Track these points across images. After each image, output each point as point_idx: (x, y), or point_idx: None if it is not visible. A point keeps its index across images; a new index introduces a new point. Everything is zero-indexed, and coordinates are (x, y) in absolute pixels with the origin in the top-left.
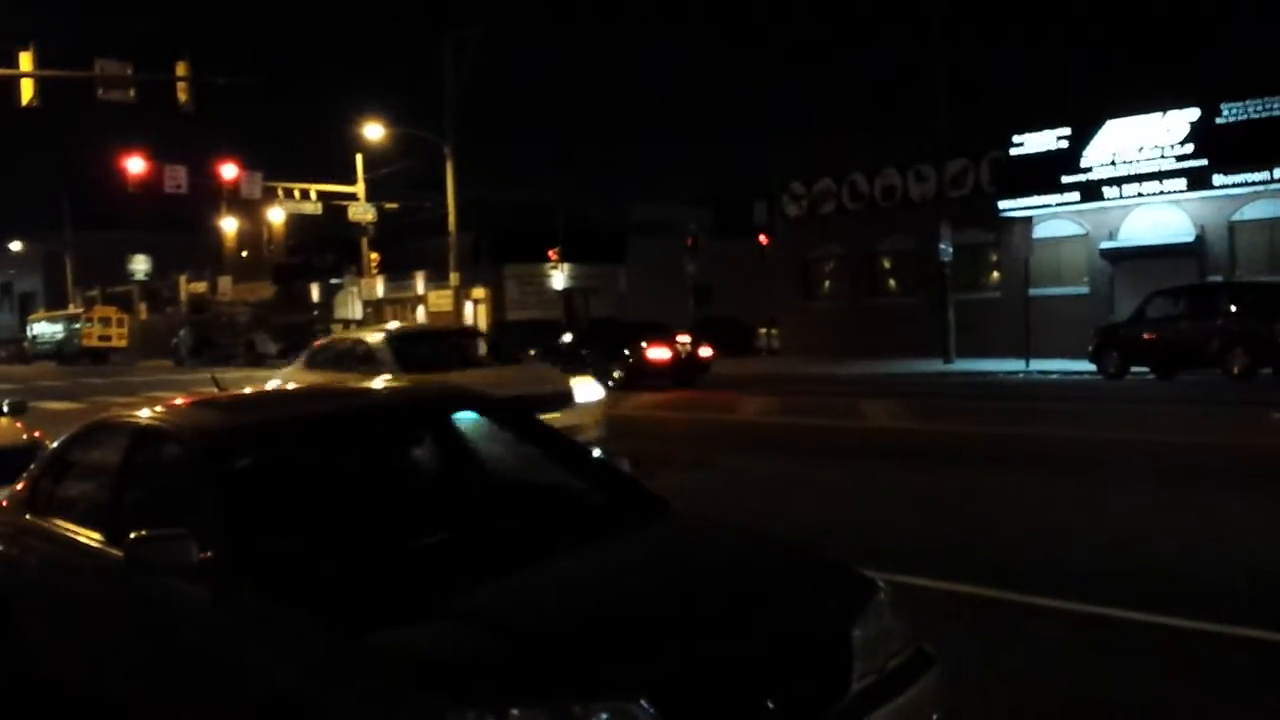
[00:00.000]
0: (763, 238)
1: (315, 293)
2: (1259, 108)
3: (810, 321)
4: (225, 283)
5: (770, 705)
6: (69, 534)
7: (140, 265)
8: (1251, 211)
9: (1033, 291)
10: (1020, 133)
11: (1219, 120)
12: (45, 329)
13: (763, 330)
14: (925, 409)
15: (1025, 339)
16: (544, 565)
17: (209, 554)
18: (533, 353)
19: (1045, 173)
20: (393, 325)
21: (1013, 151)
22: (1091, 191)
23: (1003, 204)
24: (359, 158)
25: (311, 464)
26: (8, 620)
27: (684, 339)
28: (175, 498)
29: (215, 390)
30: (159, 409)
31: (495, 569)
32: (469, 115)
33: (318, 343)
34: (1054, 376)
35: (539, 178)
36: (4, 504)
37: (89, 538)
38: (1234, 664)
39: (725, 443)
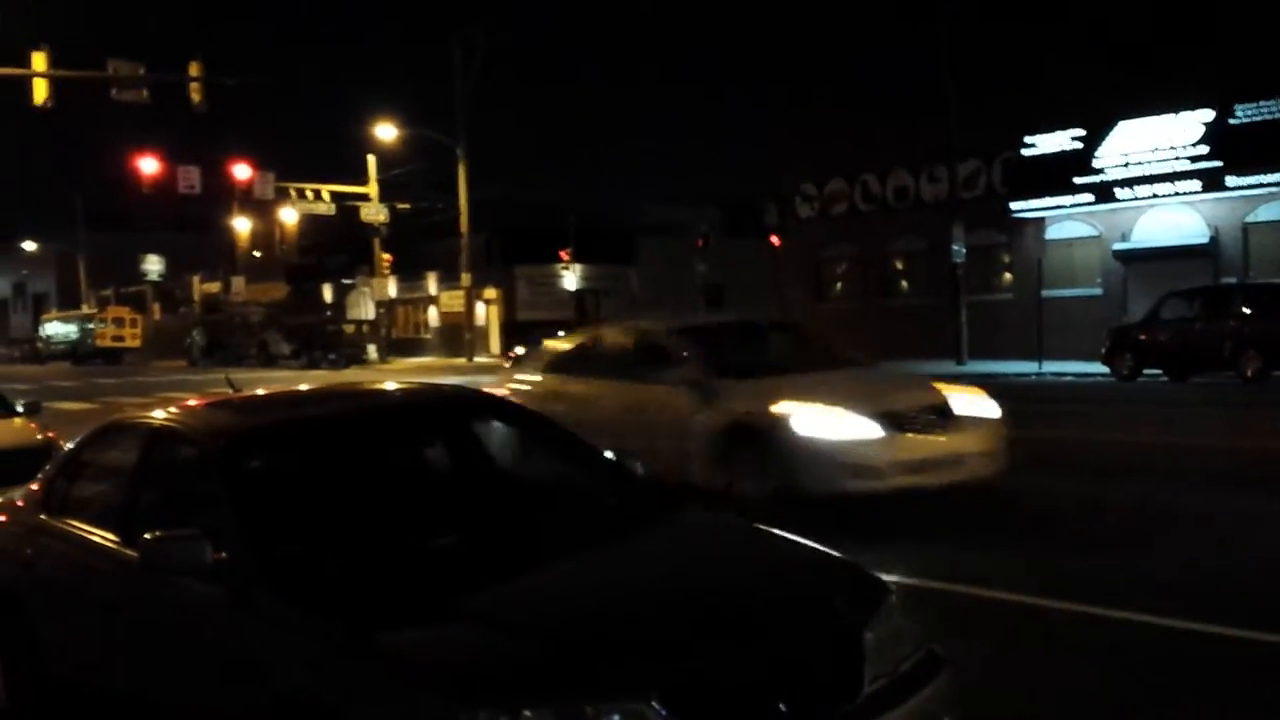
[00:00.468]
0: (774, 238)
1: (328, 293)
2: (1273, 109)
3: (821, 322)
4: (238, 283)
5: (782, 707)
6: (84, 534)
7: (153, 265)
8: (1266, 213)
9: (1045, 293)
10: (1033, 133)
11: (1233, 121)
12: (59, 329)
13: None
14: None
15: (1038, 341)
16: (556, 566)
17: (223, 554)
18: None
19: (1058, 174)
20: (695, 316)
21: (1025, 152)
22: (1105, 193)
23: (1015, 205)
24: (371, 159)
25: (325, 465)
26: (22, 619)
27: None
28: (190, 498)
29: (229, 391)
30: (173, 410)
31: (507, 570)
32: (480, 116)
33: (559, 342)
34: (1067, 378)
35: (550, 179)
36: (20, 504)
37: (104, 538)
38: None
39: None
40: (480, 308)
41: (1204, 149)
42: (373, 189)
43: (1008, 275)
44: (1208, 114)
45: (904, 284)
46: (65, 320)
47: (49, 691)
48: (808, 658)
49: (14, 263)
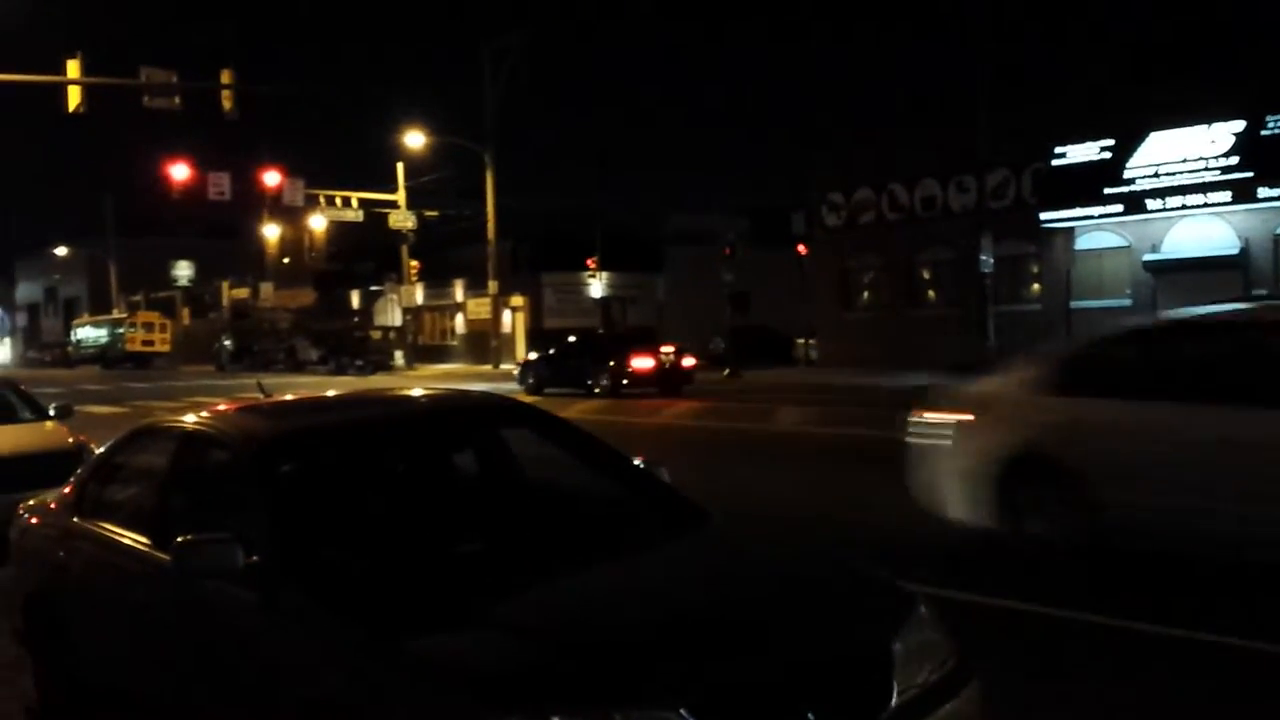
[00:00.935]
0: (801, 248)
1: (355, 300)
2: None
3: (848, 332)
4: (267, 289)
5: (810, 717)
6: (115, 537)
7: (183, 271)
8: None
9: (1074, 304)
10: (1063, 144)
11: (1264, 132)
12: (89, 333)
13: (800, 340)
14: None
15: None
16: (585, 574)
17: (254, 558)
18: (533, 356)
19: (1088, 184)
20: None
21: (1055, 162)
22: (1134, 203)
23: (1044, 215)
24: (400, 166)
25: (355, 470)
26: (54, 621)
27: (667, 349)
28: (221, 502)
29: (260, 395)
30: (205, 414)
31: (536, 577)
32: (509, 124)
33: (1074, 350)
34: None
35: (578, 187)
36: (52, 506)
37: (136, 541)
38: None
39: (757, 453)
40: (507, 315)
41: (1235, 160)
42: (401, 196)
43: (1036, 286)
44: (1238, 125)
45: (931, 294)
46: (96, 325)
47: (79, 692)
48: (836, 668)
49: (46, 267)
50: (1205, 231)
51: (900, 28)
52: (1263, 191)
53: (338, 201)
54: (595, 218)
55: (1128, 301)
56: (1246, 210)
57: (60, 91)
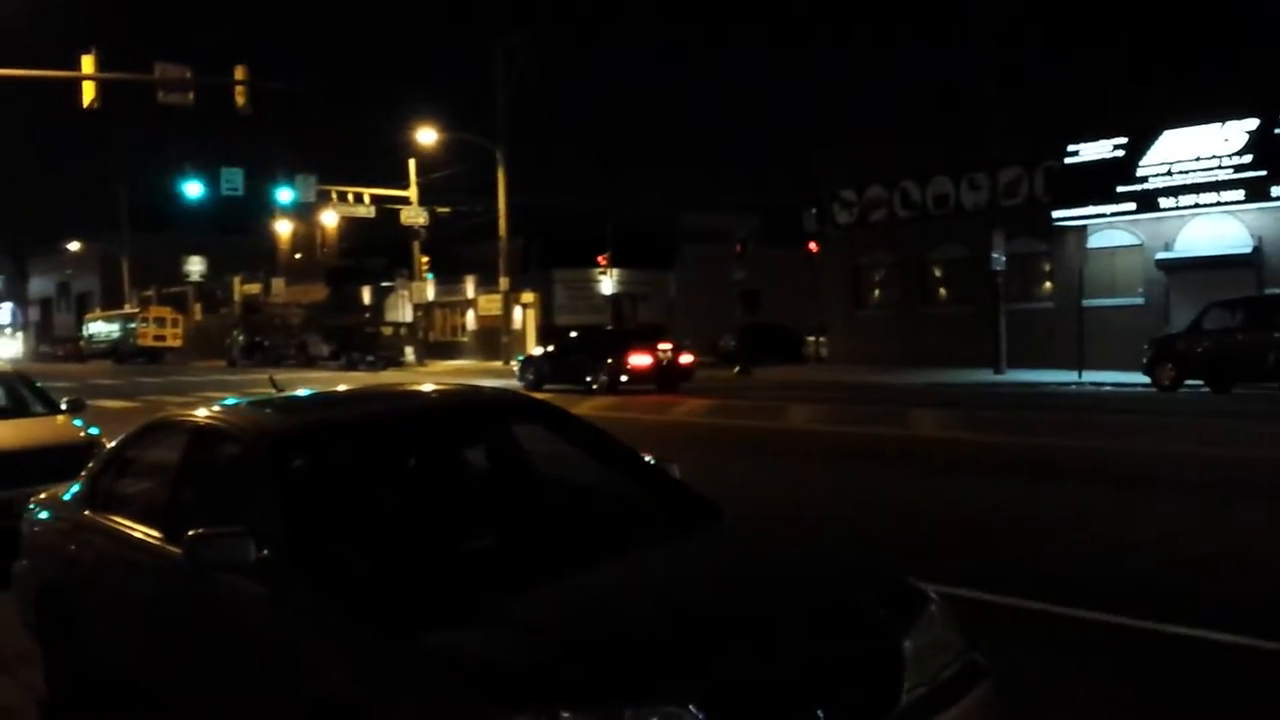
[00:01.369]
0: (812, 245)
1: (367, 295)
2: None
3: (860, 330)
4: (278, 284)
5: (820, 714)
6: (127, 531)
7: (195, 266)
8: None
9: (1086, 302)
10: (1075, 142)
11: (1278, 130)
12: (101, 328)
13: (811, 338)
14: (974, 420)
15: (1078, 350)
16: (596, 570)
17: (265, 552)
18: (535, 352)
19: (1100, 182)
20: None
21: (1068, 160)
22: (1147, 201)
23: (1057, 213)
24: (412, 162)
25: (367, 465)
26: (65, 614)
27: (665, 346)
28: (233, 496)
29: (272, 390)
30: (217, 408)
31: (547, 573)
32: (520, 121)
33: None
34: (1107, 388)
35: (589, 183)
36: (64, 500)
37: (147, 534)
38: None
39: (768, 451)
40: (518, 311)
41: (1248, 158)
42: (413, 192)
43: (1048, 284)
44: (1252, 123)
45: (943, 291)
46: (108, 319)
47: (90, 685)
48: (846, 665)
49: (58, 262)
50: (1218, 230)
51: (900, 28)
52: (1276, 190)
53: (349, 197)
54: (606, 215)
55: (1140, 300)
56: (1259, 209)
57: (73, 87)
